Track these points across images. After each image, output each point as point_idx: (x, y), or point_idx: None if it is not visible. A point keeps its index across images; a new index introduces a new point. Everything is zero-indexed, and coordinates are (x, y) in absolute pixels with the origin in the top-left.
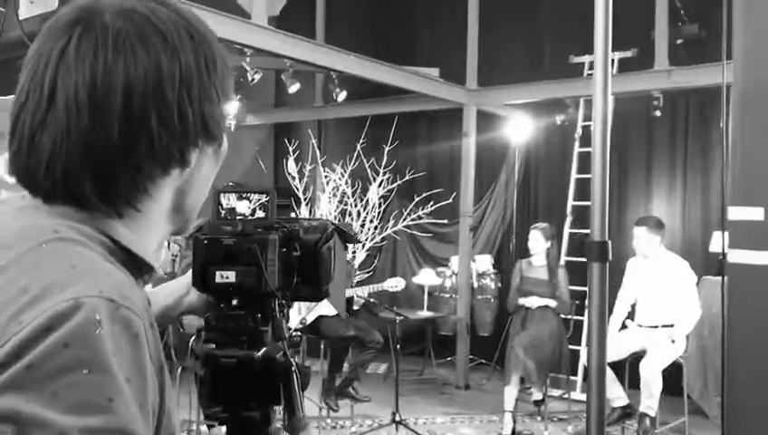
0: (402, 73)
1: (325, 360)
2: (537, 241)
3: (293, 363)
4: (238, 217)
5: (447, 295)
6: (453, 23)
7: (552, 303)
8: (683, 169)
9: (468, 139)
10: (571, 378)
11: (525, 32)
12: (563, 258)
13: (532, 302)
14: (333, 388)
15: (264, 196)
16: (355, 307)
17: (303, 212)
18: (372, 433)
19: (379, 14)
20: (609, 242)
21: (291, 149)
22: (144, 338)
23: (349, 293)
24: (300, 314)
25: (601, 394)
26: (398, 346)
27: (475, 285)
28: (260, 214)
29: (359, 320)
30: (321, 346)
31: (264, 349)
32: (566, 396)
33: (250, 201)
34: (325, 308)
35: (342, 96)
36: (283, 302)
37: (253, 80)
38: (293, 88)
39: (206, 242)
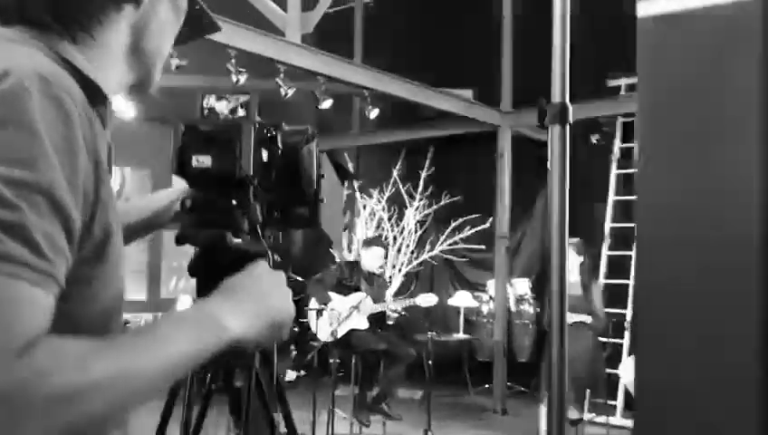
0: (436, 94)
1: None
2: (569, 256)
3: (268, 251)
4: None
5: (485, 320)
6: (487, 45)
7: (587, 319)
8: None
9: (503, 160)
10: (610, 402)
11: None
12: (602, 281)
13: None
14: (365, 403)
15: (245, 95)
16: (389, 322)
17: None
18: None
19: (413, 37)
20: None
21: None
22: (77, 121)
23: (380, 307)
24: (331, 325)
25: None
26: (431, 366)
27: (513, 309)
28: (242, 113)
29: (390, 334)
30: (353, 361)
31: (240, 239)
32: (605, 421)
33: (229, 101)
34: (356, 322)
35: (374, 113)
36: (256, 185)
37: (286, 94)
38: (326, 104)
39: (183, 128)
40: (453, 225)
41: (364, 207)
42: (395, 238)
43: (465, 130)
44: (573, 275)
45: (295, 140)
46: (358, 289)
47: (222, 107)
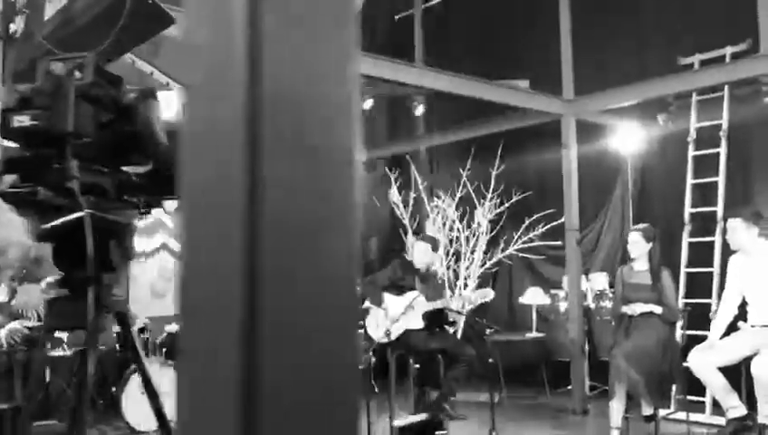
0: (494, 88)
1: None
2: (637, 243)
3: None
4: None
5: (564, 318)
6: (545, 32)
7: (658, 309)
8: None
9: (569, 151)
10: (695, 398)
11: (625, 37)
12: (684, 270)
13: (635, 309)
14: (425, 404)
15: (82, 56)
16: (452, 320)
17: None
18: None
19: (466, 31)
20: None
21: (393, 178)
22: None
23: (435, 305)
24: (383, 324)
25: None
26: (495, 366)
27: (592, 305)
28: (79, 75)
29: (448, 333)
30: (411, 361)
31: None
32: (685, 418)
33: (66, 63)
34: (412, 321)
35: (420, 110)
36: (76, 143)
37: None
38: (420, 110)
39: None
40: (527, 222)
41: (432, 208)
42: (467, 239)
43: (528, 123)
44: (642, 263)
45: (132, 98)
46: (412, 289)
47: (58, 68)
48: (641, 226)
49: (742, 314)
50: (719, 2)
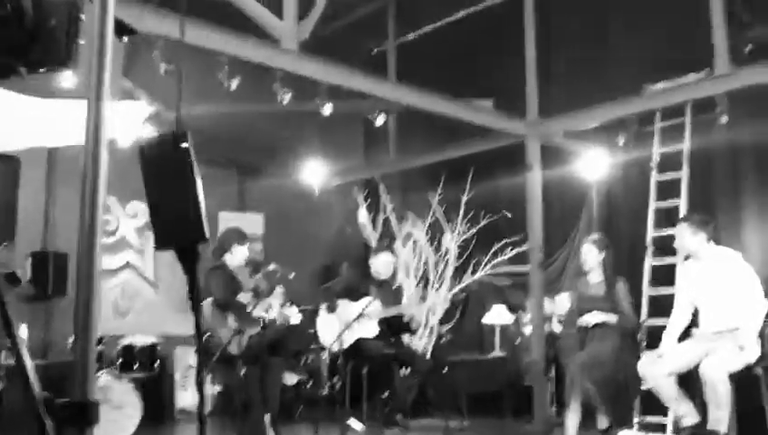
0: (458, 106)
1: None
2: (590, 252)
3: None
4: None
5: (529, 342)
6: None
7: (612, 318)
8: None
9: (533, 172)
10: (650, 418)
11: (590, 63)
12: (646, 291)
13: (589, 319)
14: (377, 414)
15: None
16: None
17: None
18: None
19: (435, 61)
20: None
21: (361, 198)
22: None
23: (390, 312)
24: (336, 331)
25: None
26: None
27: (557, 329)
28: None
29: (402, 342)
30: (363, 371)
31: None
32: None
33: None
34: (366, 329)
35: (380, 120)
36: None
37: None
38: (380, 120)
39: None
40: (495, 247)
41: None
42: (436, 264)
43: (494, 145)
44: (596, 275)
45: None
46: (367, 295)
47: None
48: (593, 236)
49: (696, 321)
50: (681, 32)
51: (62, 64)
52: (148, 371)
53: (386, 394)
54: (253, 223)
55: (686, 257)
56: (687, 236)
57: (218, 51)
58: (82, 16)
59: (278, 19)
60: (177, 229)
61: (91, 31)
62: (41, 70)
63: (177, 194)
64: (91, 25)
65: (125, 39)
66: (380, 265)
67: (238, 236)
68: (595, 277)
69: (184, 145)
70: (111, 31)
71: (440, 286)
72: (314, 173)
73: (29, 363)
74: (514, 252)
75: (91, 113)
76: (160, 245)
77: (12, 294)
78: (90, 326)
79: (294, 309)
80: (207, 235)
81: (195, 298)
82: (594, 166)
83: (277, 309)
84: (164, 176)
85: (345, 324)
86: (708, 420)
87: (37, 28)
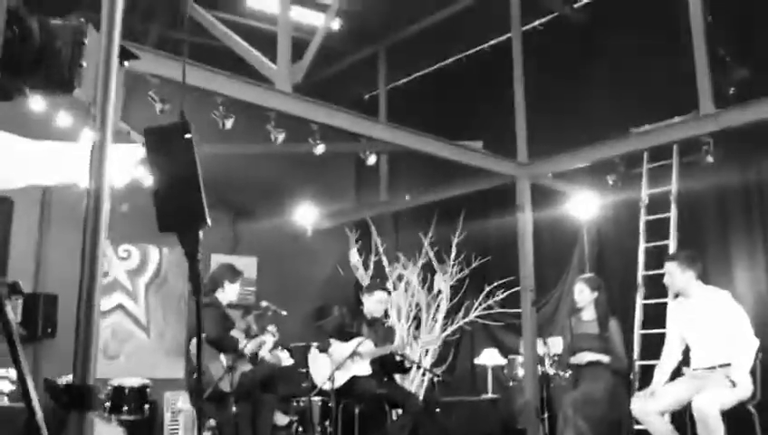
0: (449, 146)
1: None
2: (582, 292)
3: None
4: None
5: (522, 385)
6: (500, 101)
7: (605, 358)
8: (762, 227)
9: (524, 212)
10: None
11: (578, 109)
12: (638, 331)
13: (582, 358)
14: None
15: None
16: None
17: None
18: None
19: (425, 103)
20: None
21: (353, 239)
22: None
23: (386, 350)
24: (328, 370)
25: None
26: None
27: (550, 371)
28: None
29: (396, 383)
30: (356, 410)
31: None
32: None
33: None
34: (359, 368)
35: (372, 159)
36: None
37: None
38: (371, 160)
39: None
40: (487, 289)
41: (391, 272)
42: (428, 305)
43: (484, 187)
44: (589, 313)
45: None
46: (360, 335)
47: None
48: (586, 275)
49: (687, 359)
50: (667, 75)
51: (66, 87)
52: (138, 413)
53: (378, 434)
54: (246, 266)
55: (676, 295)
56: (677, 274)
57: (215, 91)
58: (86, 41)
59: (272, 64)
60: (179, 214)
61: (95, 58)
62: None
63: (179, 180)
64: (94, 52)
65: (126, 64)
66: (373, 303)
67: (230, 273)
68: (588, 316)
69: (188, 135)
70: (116, 61)
71: (433, 328)
72: (307, 215)
73: (31, 384)
74: (507, 293)
75: (96, 146)
76: (162, 228)
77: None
78: (91, 318)
79: (285, 353)
80: (209, 220)
81: (195, 283)
82: (584, 207)
83: (270, 346)
84: (167, 162)
85: (337, 363)
86: None
87: (43, 50)
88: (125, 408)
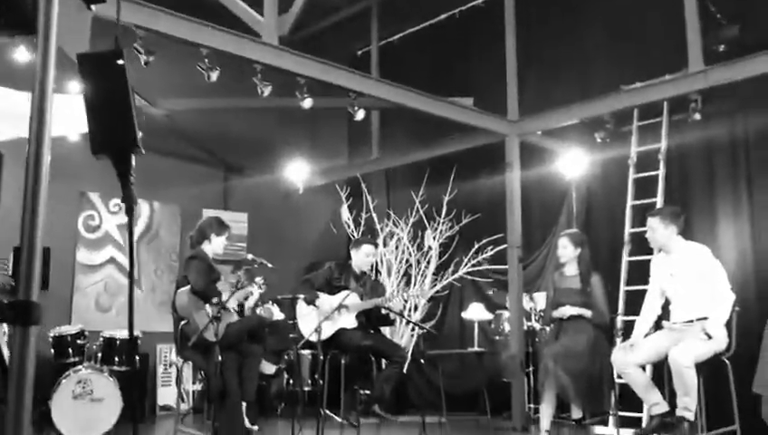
0: (441, 103)
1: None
2: (565, 248)
3: None
4: None
5: (508, 339)
6: (491, 57)
7: (587, 312)
8: (747, 183)
9: (513, 170)
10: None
11: (569, 65)
12: (623, 287)
13: (564, 311)
14: (354, 404)
15: None
16: (392, 319)
17: None
18: None
19: (417, 61)
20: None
21: (344, 196)
22: None
23: (371, 303)
24: (315, 322)
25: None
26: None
27: (536, 326)
28: None
29: (382, 335)
30: (342, 361)
31: None
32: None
33: None
34: (345, 320)
35: (360, 115)
36: None
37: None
38: (359, 115)
39: None
40: (476, 246)
41: (381, 228)
42: (418, 262)
43: (475, 144)
44: (572, 268)
45: None
46: (347, 289)
47: None
48: (569, 231)
49: (667, 313)
50: (658, 33)
51: (28, 27)
52: (130, 365)
53: (364, 385)
54: (237, 222)
55: (659, 251)
56: (659, 230)
57: (200, 43)
58: None
59: (259, 16)
60: (113, 138)
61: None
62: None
63: (112, 104)
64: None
65: (93, 8)
66: (361, 256)
67: (217, 226)
68: (571, 271)
69: (120, 62)
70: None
71: (422, 284)
72: (299, 172)
73: (6, 353)
74: (495, 250)
75: (36, 91)
76: (96, 151)
77: None
78: (34, 236)
79: (276, 308)
80: (140, 145)
81: (128, 205)
82: (573, 165)
83: (256, 297)
84: (101, 88)
85: (324, 316)
86: (677, 406)
87: None
88: (116, 359)
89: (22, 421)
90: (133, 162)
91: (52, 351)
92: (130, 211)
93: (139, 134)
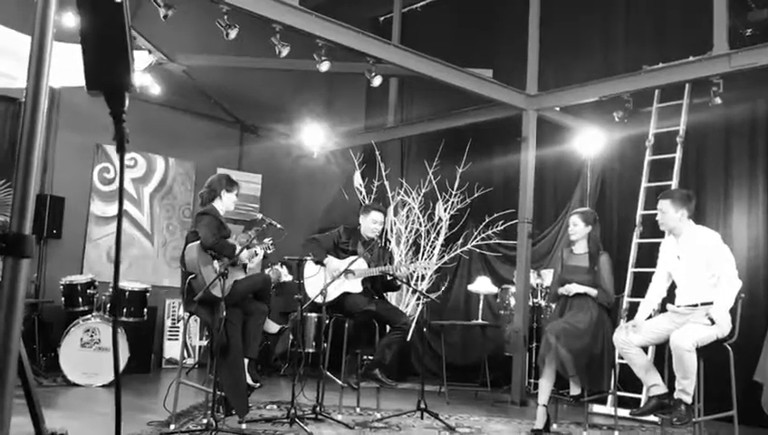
0: (459, 73)
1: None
2: (576, 225)
3: None
4: None
5: (512, 313)
6: (512, 32)
7: (592, 291)
8: (764, 170)
9: (528, 144)
10: (626, 394)
11: (591, 44)
12: (631, 269)
13: (570, 288)
14: (355, 367)
15: None
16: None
17: None
18: (397, 419)
19: (439, 30)
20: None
21: (357, 162)
22: None
23: (377, 271)
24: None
25: None
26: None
27: (542, 303)
28: None
29: (386, 300)
30: (346, 325)
31: None
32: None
33: None
34: (351, 285)
35: (377, 81)
36: None
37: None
38: (376, 81)
39: None
40: (487, 220)
41: (392, 196)
42: (428, 232)
43: (492, 117)
44: (582, 246)
45: None
46: (355, 254)
47: None
48: (581, 209)
49: (672, 297)
50: (683, 14)
51: None
52: (138, 316)
53: (366, 350)
54: (251, 183)
55: (670, 234)
56: (669, 212)
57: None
58: None
59: None
60: (107, 75)
61: None
62: None
63: (109, 42)
64: None
65: None
66: (369, 222)
67: (227, 183)
68: (580, 249)
69: (118, 0)
70: None
71: (431, 254)
72: (314, 136)
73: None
74: (506, 225)
75: (34, 40)
76: (90, 86)
77: None
78: (29, 172)
79: (285, 269)
80: (135, 84)
81: (120, 143)
82: (590, 143)
83: (260, 257)
84: (98, 23)
85: (330, 278)
86: (675, 388)
87: None
88: (125, 310)
89: (10, 351)
90: (126, 102)
91: (62, 299)
92: (122, 149)
93: (133, 75)
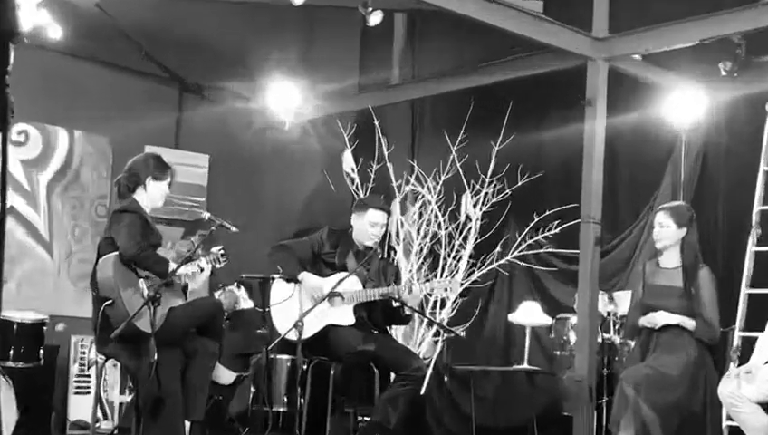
0: (498, 8)
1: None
2: (664, 227)
3: None
4: None
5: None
6: None
7: (689, 322)
8: None
9: (595, 109)
10: None
11: None
12: (744, 290)
13: (657, 319)
14: (346, 431)
15: None
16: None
17: None
18: None
19: None
20: None
21: (347, 137)
22: None
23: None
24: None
25: None
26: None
27: (616, 339)
28: None
29: (390, 337)
30: (332, 371)
31: None
32: None
33: None
34: (338, 314)
35: (377, 17)
36: None
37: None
38: (375, 19)
39: None
40: (536, 219)
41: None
42: (450, 237)
43: (543, 70)
44: (672, 258)
45: None
46: (344, 268)
47: None
48: (672, 203)
49: None
50: None
51: None
52: (31, 361)
53: (362, 407)
54: (193, 168)
55: None
56: None
57: None
58: None
59: None
60: None
61: None
62: None
63: None
64: None
65: None
66: (365, 225)
67: (156, 166)
68: (670, 262)
69: None
70: None
71: (455, 269)
72: (285, 98)
73: None
74: (563, 227)
75: None
76: None
77: None
78: None
79: (244, 292)
80: (20, 26)
81: (2, 114)
82: (685, 107)
83: (207, 273)
84: None
85: (307, 305)
86: None
87: None
88: (11, 352)
89: None
90: (11, 57)
91: None
92: (4, 122)
93: (19, 15)
